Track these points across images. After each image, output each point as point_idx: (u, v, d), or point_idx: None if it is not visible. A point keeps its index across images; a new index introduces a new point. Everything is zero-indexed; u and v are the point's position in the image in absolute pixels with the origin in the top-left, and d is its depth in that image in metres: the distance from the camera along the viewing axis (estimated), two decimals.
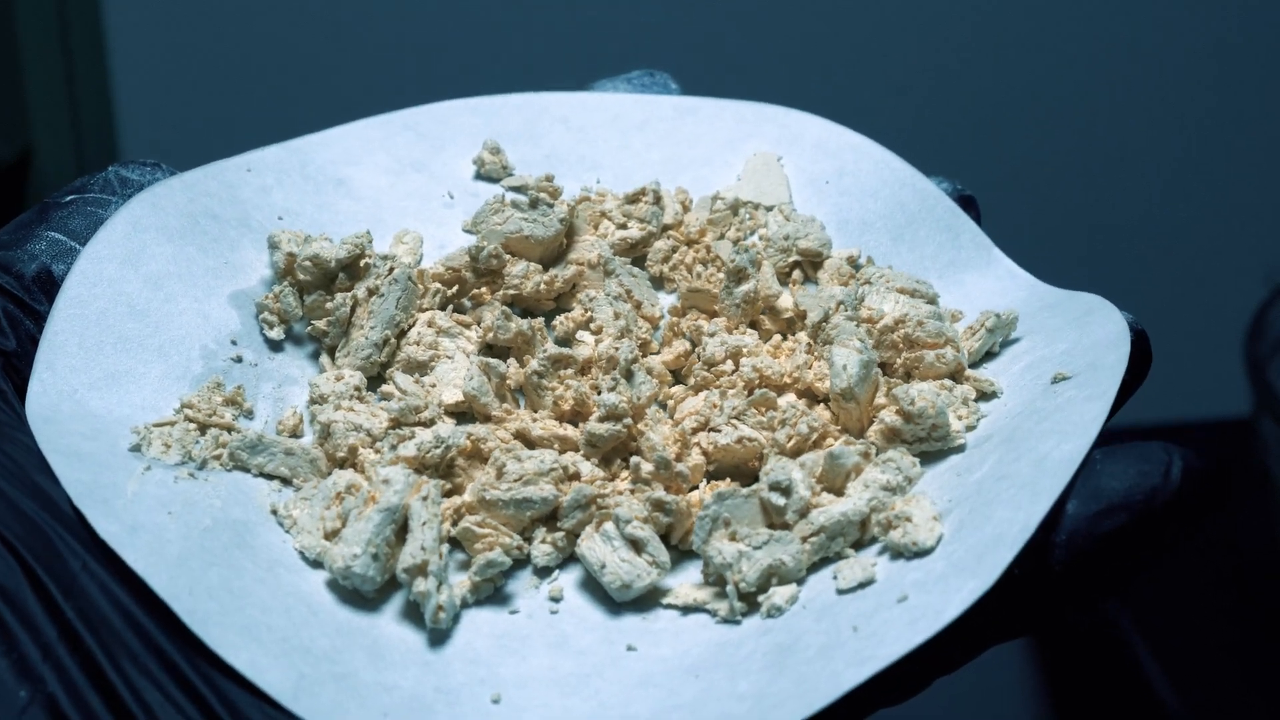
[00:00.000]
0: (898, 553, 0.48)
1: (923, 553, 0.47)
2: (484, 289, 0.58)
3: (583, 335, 0.57)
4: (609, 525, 0.49)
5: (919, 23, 1.23)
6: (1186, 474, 0.47)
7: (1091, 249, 1.29)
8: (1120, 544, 0.46)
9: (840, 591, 0.47)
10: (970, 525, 0.47)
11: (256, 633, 0.46)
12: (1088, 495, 0.47)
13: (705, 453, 0.53)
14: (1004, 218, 0.61)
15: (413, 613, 0.48)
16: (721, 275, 0.59)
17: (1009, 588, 0.45)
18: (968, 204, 0.62)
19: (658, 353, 0.57)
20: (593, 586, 0.50)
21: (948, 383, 0.53)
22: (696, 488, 0.52)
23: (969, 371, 0.54)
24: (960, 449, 0.52)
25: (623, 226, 0.60)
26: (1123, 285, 1.27)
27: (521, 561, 0.51)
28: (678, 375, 0.57)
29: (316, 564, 0.49)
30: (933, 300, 0.57)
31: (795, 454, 0.52)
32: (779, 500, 0.49)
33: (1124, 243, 1.31)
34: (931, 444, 0.52)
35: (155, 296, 0.55)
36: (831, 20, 1.24)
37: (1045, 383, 0.52)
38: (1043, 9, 1.23)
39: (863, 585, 0.47)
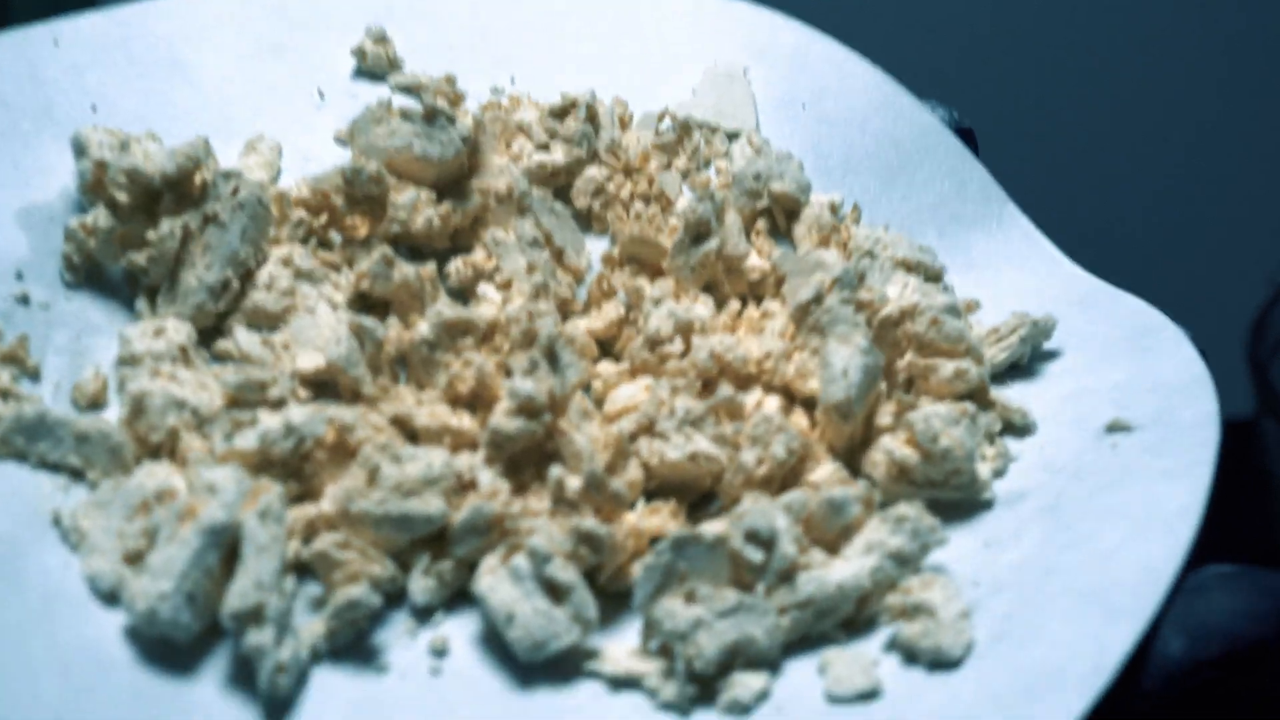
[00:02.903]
0: (910, 654, 0.36)
1: (947, 664, 0.35)
2: (359, 220, 0.44)
3: (486, 290, 0.44)
4: (520, 560, 0.36)
5: None
6: None
7: (1094, 248, 1.20)
8: (1229, 696, 0.35)
9: (832, 699, 0.35)
10: (1013, 637, 0.35)
11: (16, 711, 0.32)
12: (1196, 634, 0.34)
13: (646, 465, 0.40)
14: None
15: (243, 672, 0.35)
16: (666, 217, 0.46)
17: None
18: (964, 138, 0.50)
19: (581, 313, 0.44)
20: (491, 639, 0.37)
21: (968, 406, 0.41)
22: (633, 506, 0.40)
23: (994, 393, 0.42)
24: (987, 504, 0.40)
25: (544, 147, 0.47)
26: (1124, 285, 1.22)
27: (394, 596, 0.38)
28: (606, 347, 0.44)
29: (112, 597, 0.36)
30: (937, 276, 0.45)
31: (766, 484, 0.39)
32: (756, 556, 0.36)
33: (1126, 242, 1.22)
34: (948, 491, 0.40)
35: None
36: None
37: (1095, 428, 0.40)
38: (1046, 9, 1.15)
39: (863, 697, 0.35)
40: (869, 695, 0.35)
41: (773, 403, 0.42)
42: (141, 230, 0.42)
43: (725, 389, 0.41)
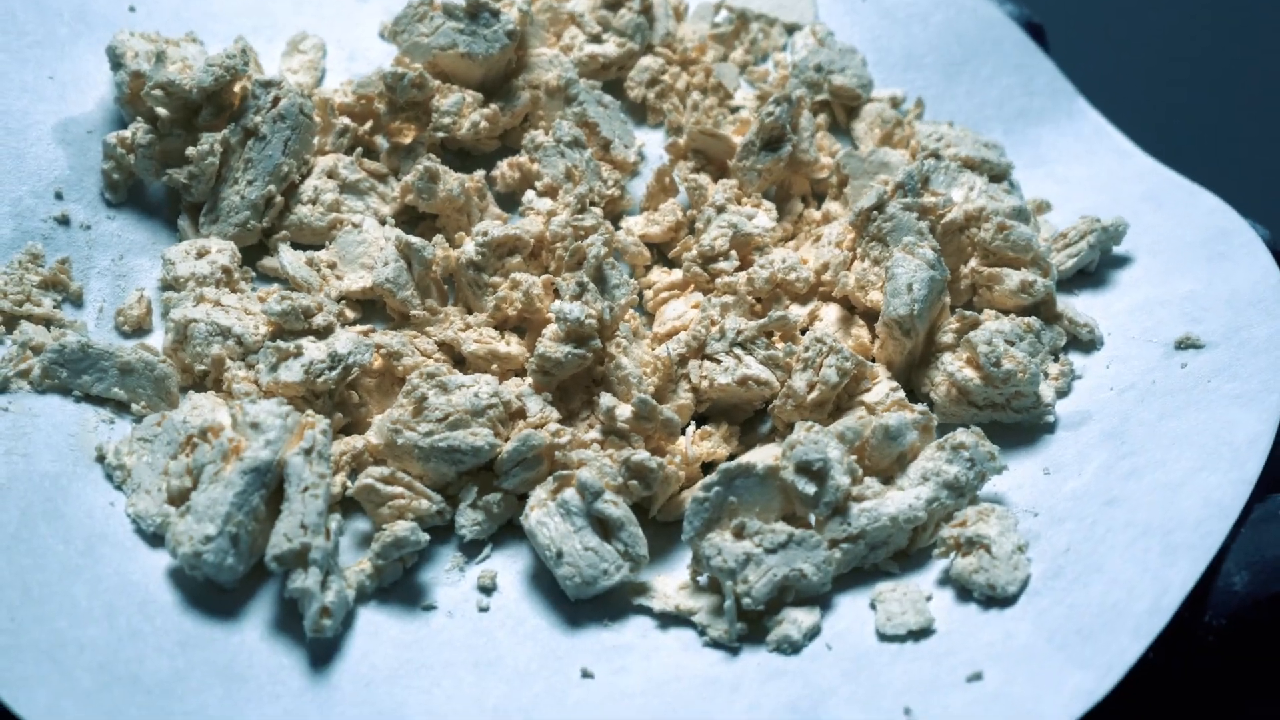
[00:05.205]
0: (965, 588, 0.35)
1: (1002, 600, 0.34)
2: (404, 126, 0.43)
3: (530, 198, 0.42)
4: (570, 494, 0.36)
5: None
6: None
7: (1173, 147, 1.16)
8: None
9: (883, 637, 0.34)
10: (1070, 573, 0.34)
11: (62, 657, 0.32)
12: (1260, 568, 0.34)
13: (695, 389, 0.39)
14: None
15: (289, 614, 0.35)
16: (725, 109, 0.45)
17: (1130, 678, 0.32)
18: (1034, 34, 0.48)
19: (635, 211, 0.43)
20: (540, 574, 0.36)
21: (1033, 321, 0.40)
22: (684, 431, 0.39)
23: (1060, 304, 0.41)
24: (1049, 427, 0.39)
25: (595, 39, 0.45)
26: (1203, 181, 1.18)
27: (441, 529, 0.37)
28: (661, 248, 0.43)
29: (157, 538, 0.36)
30: (1004, 174, 0.44)
31: (818, 407, 0.38)
32: (809, 488, 0.35)
33: (1204, 139, 1.20)
34: (1008, 414, 0.39)
35: None
36: None
37: (1164, 343, 0.39)
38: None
39: (915, 635, 0.34)
40: (920, 634, 0.34)
41: (831, 314, 0.41)
42: (181, 145, 0.41)
43: (777, 308, 0.40)
